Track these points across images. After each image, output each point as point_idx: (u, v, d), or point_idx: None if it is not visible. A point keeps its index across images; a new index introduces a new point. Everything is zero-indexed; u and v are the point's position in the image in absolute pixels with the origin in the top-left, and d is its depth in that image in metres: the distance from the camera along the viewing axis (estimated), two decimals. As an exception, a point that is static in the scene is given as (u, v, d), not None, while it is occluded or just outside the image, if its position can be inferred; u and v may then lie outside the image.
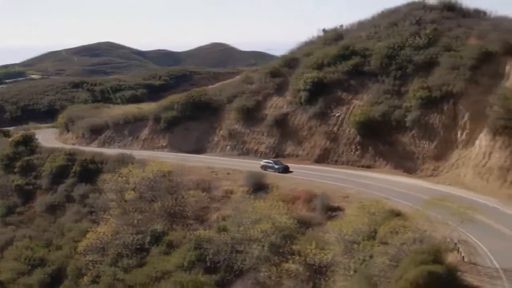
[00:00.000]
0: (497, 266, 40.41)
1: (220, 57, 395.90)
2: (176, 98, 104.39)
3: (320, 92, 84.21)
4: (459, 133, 70.50)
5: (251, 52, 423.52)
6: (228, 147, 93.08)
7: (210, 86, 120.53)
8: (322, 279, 50.88)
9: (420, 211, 47.57)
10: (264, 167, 78.93)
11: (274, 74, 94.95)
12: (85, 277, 69.76)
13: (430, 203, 47.43)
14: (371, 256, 46.20)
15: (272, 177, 73.52)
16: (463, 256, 42.46)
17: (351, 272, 47.75)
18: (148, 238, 69.65)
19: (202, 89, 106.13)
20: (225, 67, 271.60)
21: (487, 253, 43.29)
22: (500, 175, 61.25)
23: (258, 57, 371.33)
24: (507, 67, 70.04)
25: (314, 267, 52.34)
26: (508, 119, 61.93)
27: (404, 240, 42.92)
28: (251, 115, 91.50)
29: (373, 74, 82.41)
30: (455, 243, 44.85)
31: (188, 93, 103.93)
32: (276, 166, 78.16)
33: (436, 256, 37.36)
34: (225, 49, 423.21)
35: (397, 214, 52.38)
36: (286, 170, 77.59)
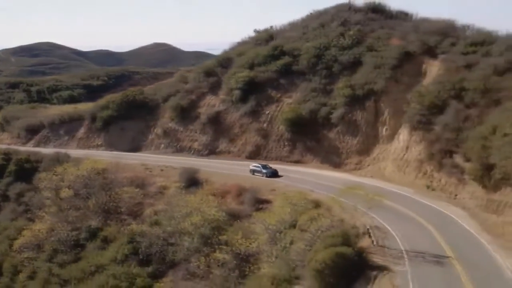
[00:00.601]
0: (402, 248, 44.15)
1: (162, 57, 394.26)
2: (111, 97, 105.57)
3: (252, 91, 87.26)
4: (380, 128, 74.70)
5: (194, 52, 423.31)
6: (163, 145, 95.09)
7: (148, 86, 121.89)
8: (248, 267, 53.61)
9: (336, 200, 51.15)
10: (253, 171, 75.77)
11: (208, 73, 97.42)
12: (21, 274, 70.74)
13: (345, 193, 51.00)
14: (291, 243, 49.36)
15: (204, 172, 75.85)
16: (373, 240, 46.03)
17: (274, 259, 50.74)
18: (83, 234, 71.24)
19: (137, 89, 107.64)
20: (166, 67, 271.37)
21: (396, 236, 47.04)
22: (416, 167, 65.48)
23: (200, 57, 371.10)
24: (425, 66, 74.59)
25: (240, 256, 54.99)
26: (423, 115, 66.16)
27: (319, 226, 46.26)
28: (185, 114, 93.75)
29: (301, 73, 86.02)
30: (368, 229, 48.41)
31: (124, 92, 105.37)
32: (264, 171, 74.49)
33: (345, 239, 40.71)
34: (167, 49, 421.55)
35: (318, 204, 55.71)
36: (274, 174, 74.00)
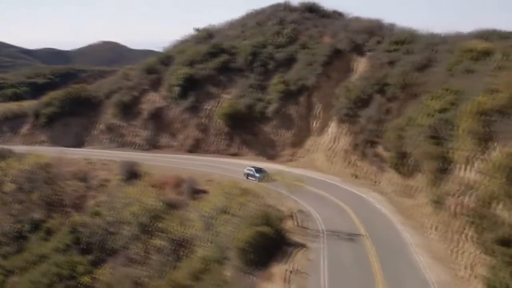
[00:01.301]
0: (321, 228, 48.45)
1: (110, 56, 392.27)
2: (55, 94, 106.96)
3: (192, 87, 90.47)
4: (312, 122, 79.13)
5: (142, 50, 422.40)
6: (106, 140, 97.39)
7: (92, 84, 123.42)
8: (183, 251, 57.00)
9: (266, 188, 55.20)
10: (246, 175, 71.06)
11: (150, 71, 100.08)
12: (-37, 266, 72.25)
13: (277, 182, 55.12)
14: (222, 228, 53.03)
15: (145, 166, 78.67)
16: (296, 222, 50.23)
17: (207, 243, 54.31)
18: (26, 226, 73.17)
19: (81, 86, 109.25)
20: (113, 66, 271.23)
21: (317, 219, 51.36)
22: (343, 157, 70.18)
23: (148, 55, 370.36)
24: (353, 63, 79.33)
25: (177, 242, 58.31)
26: (350, 109, 70.85)
27: (247, 211, 50.11)
28: (128, 110, 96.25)
29: (239, 70, 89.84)
30: (292, 213, 52.56)
31: (66, 89, 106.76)
32: (257, 175, 69.27)
33: (266, 220, 44.68)
34: (115, 48, 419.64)
35: (249, 191, 59.51)
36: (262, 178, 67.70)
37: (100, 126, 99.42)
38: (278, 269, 39.21)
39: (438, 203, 45.13)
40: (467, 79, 53.86)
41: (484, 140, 40.93)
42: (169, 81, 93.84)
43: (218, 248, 50.35)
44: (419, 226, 47.23)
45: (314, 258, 41.49)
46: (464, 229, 39.23)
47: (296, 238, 46.23)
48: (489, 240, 31.44)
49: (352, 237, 45.72)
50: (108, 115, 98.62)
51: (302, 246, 44.11)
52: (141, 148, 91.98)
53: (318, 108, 78.99)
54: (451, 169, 46.11)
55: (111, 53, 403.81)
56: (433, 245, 42.53)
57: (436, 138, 50.65)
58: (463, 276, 35.85)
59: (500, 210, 33.96)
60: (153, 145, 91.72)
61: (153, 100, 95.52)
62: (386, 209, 53.61)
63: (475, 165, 40.90)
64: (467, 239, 38.39)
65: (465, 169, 43.15)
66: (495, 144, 39.32)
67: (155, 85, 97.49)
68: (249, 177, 70.18)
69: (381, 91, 69.01)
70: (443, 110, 52.56)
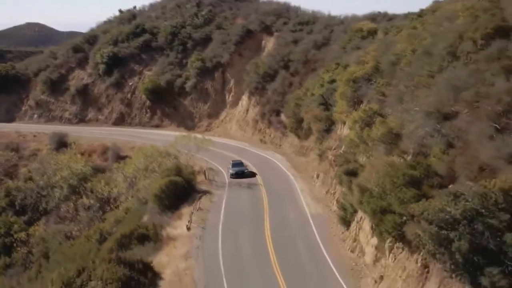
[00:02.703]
0: (226, 181, 57.32)
1: (36, 37, 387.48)
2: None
3: (116, 65, 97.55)
4: (227, 95, 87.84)
5: (68, 32, 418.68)
6: (36, 115, 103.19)
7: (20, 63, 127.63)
8: (109, 207, 64.75)
9: (182, 151, 63.40)
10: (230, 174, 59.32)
11: (76, 49, 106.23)
12: None
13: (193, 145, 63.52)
14: (143, 184, 61.03)
15: (74, 137, 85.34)
16: (206, 176, 58.90)
17: (130, 198, 62.20)
18: (-40, 194, 78.81)
19: (9, 64, 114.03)
20: (39, 47, 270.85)
21: (225, 175, 60.05)
22: (253, 126, 79.25)
23: (75, 36, 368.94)
24: (263, 42, 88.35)
25: (103, 200, 65.95)
26: (259, 83, 79.79)
27: (164, 167, 58.33)
28: (56, 87, 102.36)
29: (160, 49, 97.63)
30: (204, 169, 61.16)
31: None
32: (231, 170, 59.49)
33: (178, 172, 53.10)
34: (41, 29, 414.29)
35: (167, 154, 67.51)
36: (238, 175, 58.56)
37: (29, 102, 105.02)
38: (187, 209, 47.64)
39: (321, 156, 54.64)
40: (351, 55, 63.52)
41: (354, 102, 50.46)
42: (94, 59, 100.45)
43: (138, 201, 58.36)
44: (308, 177, 56.57)
45: (216, 200, 50.34)
46: (340, 180, 48.71)
47: (204, 187, 54.95)
48: (341, 172, 40.69)
49: (251, 186, 54.72)
50: (37, 92, 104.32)
51: (209, 192, 52.87)
52: (69, 122, 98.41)
53: (231, 83, 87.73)
54: (332, 128, 55.70)
55: (37, 35, 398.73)
56: (315, 190, 51.92)
57: (324, 104, 60.16)
58: (332, 208, 45.21)
59: (358, 153, 43.30)
60: (80, 119, 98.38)
61: (80, 77, 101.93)
62: (284, 165, 62.82)
63: (347, 123, 50.36)
64: (337, 182, 47.87)
65: (341, 127, 52.71)
66: (362, 105, 48.85)
67: (82, 63, 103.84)
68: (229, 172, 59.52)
69: (286, 67, 78.34)
70: (331, 81, 62.00)
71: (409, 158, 33.64)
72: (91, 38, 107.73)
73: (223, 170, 62.25)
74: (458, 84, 33.61)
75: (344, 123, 52.10)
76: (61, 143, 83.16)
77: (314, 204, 48.04)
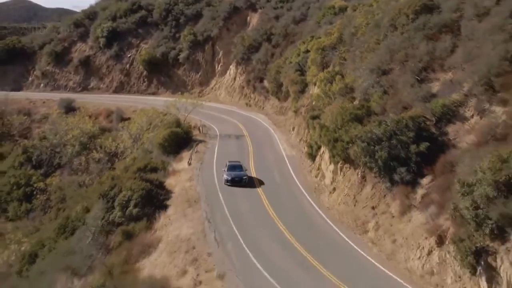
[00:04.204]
0: (219, 134, 68.53)
1: (24, 14, 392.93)
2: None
3: (115, 39, 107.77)
4: (216, 65, 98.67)
5: (56, 9, 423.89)
6: (42, 85, 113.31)
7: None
8: (117, 159, 75.66)
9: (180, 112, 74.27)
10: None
11: (77, 25, 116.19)
12: None
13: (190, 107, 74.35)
14: (146, 139, 71.97)
15: (79, 103, 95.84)
16: (200, 130, 70.09)
17: (136, 150, 73.03)
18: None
19: (15, 38, 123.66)
20: (30, 23, 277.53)
21: (216, 130, 71.20)
22: (239, 92, 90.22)
23: (64, 14, 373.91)
24: (248, 18, 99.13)
25: (111, 154, 76.85)
26: (245, 54, 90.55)
27: (165, 123, 69.31)
28: (60, 58, 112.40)
29: (155, 24, 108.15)
30: (198, 126, 72.22)
31: (3, 41, 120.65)
32: (225, 175, 48.61)
33: (177, 124, 64.17)
34: (28, 6, 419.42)
35: (168, 112, 78.18)
36: (235, 181, 47.83)
37: (36, 73, 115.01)
38: (186, 154, 58.77)
39: (296, 112, 65.83)
40: (323, 28, 74.42)
41: (322, 66, 61.64)
42: (95, 34, 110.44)
43: (144, 151, 69.32)
44: (285, 131, 67.81)
45: (210, 146, 61.71)
46: (308, 125, 60.06)
47: (200, 138, 66.09)
48: (308, 118, 51.90)
49: (238, 137, 66.02)
50: (42, 63, 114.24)
51: (203, 141, 64.10)
52: (73, 90, 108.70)
53: (220, 54, 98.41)
54: (306, 90, 66.82)
55: (25, 11, 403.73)
56: (291, 139, 63.19)
57: (300, 70, 71.08)
58: (303, 151, 56.47)
59: (323, 105, 54.47)
60: (84, 88, 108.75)
61: (82, 50, 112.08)
62: (266, 122, 74.07)
63: (316, 83, 61.50)
64: (306, 126, 59.24)
65: (313, 88, 63.85)
66: (328, 68, 59.99)
67: (83, 37, 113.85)
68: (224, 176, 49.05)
69: (268, 40, 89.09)
70: (306, 51, 72.87)
71: (356, 102, 45.10)
72: (91, 14, 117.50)
73: (214, 127, 73.21)
74: (394, 48, 45.12)
75: (315, 84, 63.20)
76: (69, 108, 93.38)
77: (289, 149, 59.41)
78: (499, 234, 26.14)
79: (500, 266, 25.55)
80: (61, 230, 50.15)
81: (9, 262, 56.39)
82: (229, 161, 51.23)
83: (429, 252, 29.98)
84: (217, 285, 29.64)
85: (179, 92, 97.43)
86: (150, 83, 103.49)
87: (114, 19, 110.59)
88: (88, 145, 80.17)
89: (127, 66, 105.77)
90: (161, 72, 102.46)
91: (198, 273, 31.32)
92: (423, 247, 30.36)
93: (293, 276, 30.57)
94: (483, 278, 26.10)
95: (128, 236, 38.50)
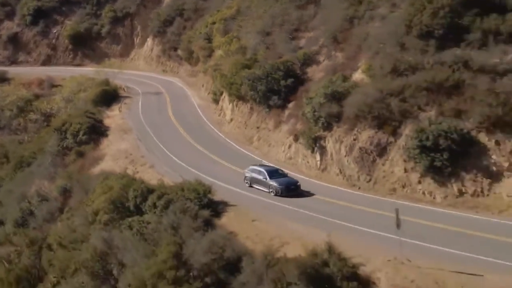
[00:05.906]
0: (141, 92, 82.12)
1: None
2: None
3: (41, 16, 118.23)
4: (135, 38, 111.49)
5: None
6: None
7: None
8: (53, 118, 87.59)
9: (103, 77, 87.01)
10: (249, 182, 41.36)
11: (3, 4, 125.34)
12: None
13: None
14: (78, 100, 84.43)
15: (11, 74, 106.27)
16: (125, 89, 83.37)
17: (69, 109, 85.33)
18: None
19: None
20: None
21: (139, 90, 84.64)
22: (156, 60, 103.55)
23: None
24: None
25: (46, 114, 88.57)
26: (160, 27, 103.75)
27: (95, 84, 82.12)
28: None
29: (78, 2, 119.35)
30: (123, 87, 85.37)
31: None
32: (272, 183, 39.20)
33: (107, 84, 77.32)
34: None
35: (94, 79, 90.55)
36: (290, 189, 38.76)
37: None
38: (116, 106, 72.28)
39: (204, 72, 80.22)
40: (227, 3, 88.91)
41: (225, 33, 76.30)
42: (21, 12, 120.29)
43: (77, 109, 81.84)
44: (197, 88, 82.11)
45: (135, 100, 75.67)
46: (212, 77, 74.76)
47: (125, 95, 79.59)
48: (212, 72, 66.98)
49: (157, 94, 79.97)
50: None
51: (129, 97, 77.79)
52: (3, 64, 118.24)
53: (138, 29, 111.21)
54: (212, 54, 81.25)
55: None
56: (201, 94, 77.61)
57: (208, 39, 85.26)
58: (210, 100, 71.10)
59: (223, 62, 69.21)
60: (13, 61, 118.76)
61: (9, 27, 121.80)
62: (180, 83, 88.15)
63: (221, 47, 76.04)
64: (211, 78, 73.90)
65: (218, 51, 78.36)
66: (229, 34, 74.65)
67: (10, 15, 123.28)
68: (253, 185, 41.05)
69: (181, 15, 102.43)
70: (213, 23, 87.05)
71: (247, 57, 60.32)
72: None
73: (137, 88, 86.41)
74: (275, 15, 60.52)
75: (219, 48, 77.79)
76: (3, 79, 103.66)
77: (199, 100, 74.05)
78: (327, 126, 41.98)
79: (328, 145, 41.40)
80: (17, 166, 62.72)
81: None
82: (260, 165, 41.77)
83: (289, 146, 45.61)
84: (149, 171, 44.20)
85: (103, 62, 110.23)
86: (76, 55, 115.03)
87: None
88: (25, 109, 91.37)
89: (53, 41, 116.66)
90: (85, 46, 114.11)
91: (136, 168, 45.72)
92: (286, 144, 45.95)
93: (203, 165, 45.58)
94: (318, 153, 41.94)
95: (80, 154, 52.28)
